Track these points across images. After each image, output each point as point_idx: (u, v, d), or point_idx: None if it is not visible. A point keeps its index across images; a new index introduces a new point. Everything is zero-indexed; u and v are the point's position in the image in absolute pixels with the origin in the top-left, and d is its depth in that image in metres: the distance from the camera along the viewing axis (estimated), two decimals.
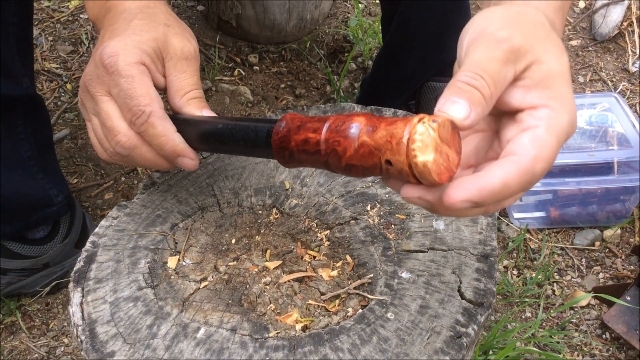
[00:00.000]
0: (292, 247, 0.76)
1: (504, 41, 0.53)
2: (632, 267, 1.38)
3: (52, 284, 1.28)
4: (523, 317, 1.31)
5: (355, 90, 1.76)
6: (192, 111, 0.76)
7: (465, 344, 0.65)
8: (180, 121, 0.75)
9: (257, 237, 0.77)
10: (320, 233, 0.77)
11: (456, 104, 0.50)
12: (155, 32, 0.76)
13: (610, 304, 1.27)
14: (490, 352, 1.14)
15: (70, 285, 0.71)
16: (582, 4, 2.06)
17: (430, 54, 1.40)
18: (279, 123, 0.62)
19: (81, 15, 1.94)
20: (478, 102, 0.51)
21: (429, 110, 1.50)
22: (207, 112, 0.76)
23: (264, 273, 0.73)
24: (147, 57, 0.74)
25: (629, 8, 1.95)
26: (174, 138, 0.72)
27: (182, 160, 0.74)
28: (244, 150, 0.69)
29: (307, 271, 0.73)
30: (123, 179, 1.53)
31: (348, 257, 0.75)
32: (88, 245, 0.75)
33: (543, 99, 0.53)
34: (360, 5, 1.97)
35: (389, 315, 0.68)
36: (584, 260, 1.41)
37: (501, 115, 0.57)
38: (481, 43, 0.54)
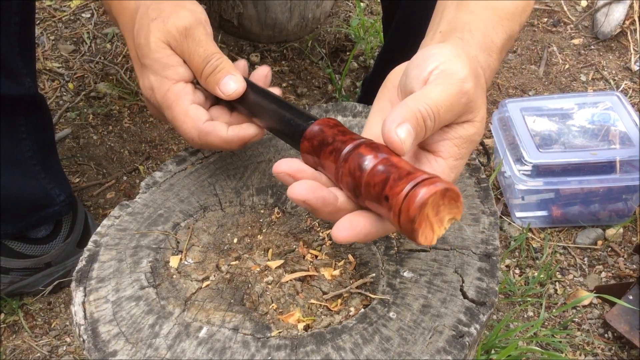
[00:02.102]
0: (294, 246, 0.76)
1: (467, 95, 0.57)
2: (634, 266, 1.38)
3: (54, 284, 1.28)
4: (525, 316, 1.30)
5: (357, 89, 1.76)
6: (214, 91, 0.76)
7: (467, 343, 0.65)
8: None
9: (259, 236, 0.77)
10: (322, 232, 0.77)
11: (409, 135, 0.54)
12: (155, 33, 0.75)
13: (612, 303, 1.27)
14: (493, 352, 1.14)
15: (73, 284, 0.71)
16: (584, 3, 2.06)
17: None
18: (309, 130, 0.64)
19: (82, 15, 1.95)
20: (421, 137, 0.56)
21: None
22: (225, 83, 0.75)
23: (266, 272, 0.73)
24: (174, 71, 0.75)
25: (631, 7, 1.94)
26: (231, 138, 0.74)
27: (251, 142, 0.78)
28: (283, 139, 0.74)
29: (309, 270, 0.73)
30: (125, 178, 1.53)
31: (350, 256, 0.74)
32: (90, 244, 0.75)
33: (447, 153, 0.59)
34: (361, 4, 1.97)
35: (391, 314, 0.68)
36: (586, 259, 1.41)
37: None
38: (448, 85, 0.57)
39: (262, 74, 0.82)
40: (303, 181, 0.57)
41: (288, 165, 0.60)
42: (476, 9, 0.69)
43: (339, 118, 0.91)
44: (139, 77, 0.79)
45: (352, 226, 0.56)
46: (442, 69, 0.58)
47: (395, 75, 0.66)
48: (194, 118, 0.74)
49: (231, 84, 0.75)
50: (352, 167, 0.57)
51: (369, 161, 0.56)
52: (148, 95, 0.77)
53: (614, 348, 1.24)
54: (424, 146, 0.60)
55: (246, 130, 0.75)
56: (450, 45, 0.61)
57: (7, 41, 1.00)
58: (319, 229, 0.77)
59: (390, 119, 0.55)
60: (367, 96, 1.53)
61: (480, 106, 0.59)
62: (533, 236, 1.44)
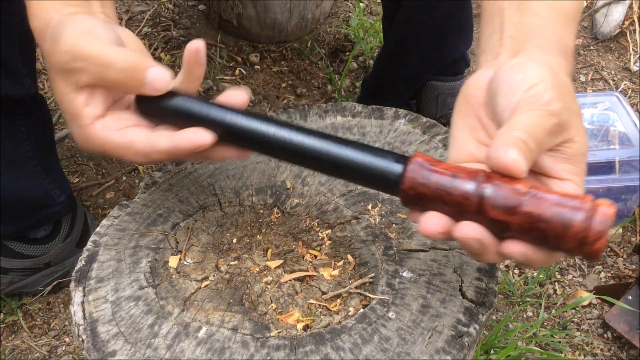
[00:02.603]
0: (294, 246, 0.76)
1: (554, 115, 0.57)
2: (633, 266, 1.38)
3: (54, 284, 1.28)
4: (524, 316, 1.30)
5: (357, 90, 1.76)
6: (141, 91, 0.65)
7: (466, 343, 0.65)
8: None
9: (258, 236, 0.77)
10: (321, 232, 0.77)
11: (519, 155, 0.54)
12: (53, 83, 0.66)
13: (612, 303, 1.27)
14: (492, 352, 1.14)
15: (72, 284, 0.71)
16: (583, 3, 2.06)
17: (431, 53, 1.40)
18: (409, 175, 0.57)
19: None
20: (530, 159, 0.56)
21: (430, 110, 1.51)
22: (150, 77, 0.64)
23: (265, 272, 0.73)
24: (84, 115, 0.66)
25: (630, 7, 1.94)
26: (174, 147, 0.65)
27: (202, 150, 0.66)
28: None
29: (308, 270, 0.73)
30: (124, 178, 1.53)
31: (349, 256, 0.74)
32: (89, 244, 0.75)
33: (569, 174, 0.59)
34: (361, 4, 1.97)
35: (390, 314, 0.68)
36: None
37: None
38: (534, 109, 0.57)
39: (237, 99, 0.68)
40: (468, 222, 0.56)
41: (439, 224, 0.57)
42: (541, 11, 0.67)
43: (339, 118, 0.91)
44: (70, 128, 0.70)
45: (526, 247, 0.56)
46: (527, 97, 0.58)
47: (475, 90, 0.64)
48: (128, 146, 0.65)
49: (156, 72, 0.64)
50: (490, 216, 0.54)
51: (508, 205, 0.53)
52: (86, 146, 0.68)
53: (613, 348, 1.24)
54: (547, 175, 0.60)
55: (193, 135, 0.64)
56: (533, 65, 0.61)
57: (8, 41, 1.00)
58: (318, 229, 0.77)
59: (495, 148, 0.55)
60: (368, 96, 1.53)
61: (572, 119, 0.59)
62: None
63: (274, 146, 0.63)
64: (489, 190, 0.54)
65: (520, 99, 0.58)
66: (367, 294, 0.70)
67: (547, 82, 0.59)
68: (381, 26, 1.85)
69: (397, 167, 0.58)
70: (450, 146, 0.65)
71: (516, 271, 1.38)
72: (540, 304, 1.29)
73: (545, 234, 0.52)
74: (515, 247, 0.55)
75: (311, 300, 0.70)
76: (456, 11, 1.33)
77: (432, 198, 0.56)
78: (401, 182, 0.57)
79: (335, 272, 0.73)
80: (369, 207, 0.79)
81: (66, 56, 0.63)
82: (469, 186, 0.55)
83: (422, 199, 0.57)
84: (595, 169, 1.38)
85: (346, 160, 0.60)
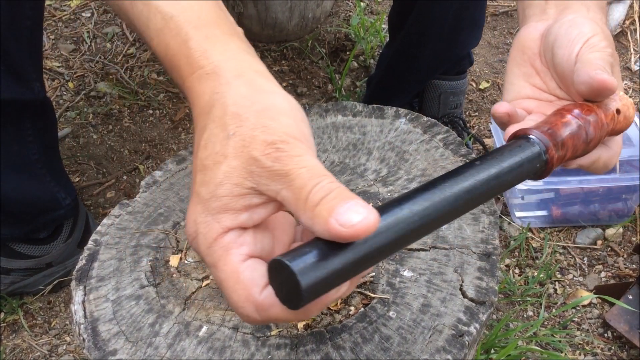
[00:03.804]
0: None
1: (610, 56, 0.67)
2: (634, 265, 1.38)
3: (55, 282, 1.28)
4: (525, 316, 1.30)
5: (357, 89, 1.76)
6: (325, 226, 0.46)
7: (467, 342, 0.65)
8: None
9: None
10: None
11: (612, 78, 0.64)
12: (231, 162, 0.50)
13: (612, 302, 1.27)
14: (492, 351, 1.14)
15: (73, 283, 0.71)
16: None
17: (444, 49, 1.39)
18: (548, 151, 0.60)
19: (82, 14, 1.95)
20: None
21: (432, 109, 1.50)
22: (347, 210, 0.46)
23: None
24: (232, 217, 0.50)
25: (631, 7, 1.94)
26: (309, 309, 0.50)
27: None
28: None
29: None
30: (125, 177, 1.53)
31: None
32: (90, 243, 0.75)
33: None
34: (361, 3, 1.97)
35: (390, 313, 0.68)
36: (585, 259, 1.41)
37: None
38: (595, 51, 0.67)
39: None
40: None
41: None
42: None
43: (339, 117, 0.91)
44: (189, 203, 0.53)
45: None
46: (586, 46, 0.67)
47: (530, 41, 0.72)
48: (248, 284, 0.49)
49: (359, 210, 0.46)
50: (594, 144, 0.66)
51: (603, 133, 0.66)
52: (190, 237, 0.52)
53: (613, 348, 1.24)
54: None
55: (330, 294, 0.49)
56: (585, 22, 0.69)
57: (18, 46, 0.99)
58: None
59: (584, 72, 0.64)
60: (375, 95, 1.52)
61: (616, 65, 0.68)
62: (533, 236, 1.44)
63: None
64: (592, 122, 0.64)
65: (581, 48, 0.67)
66: (367, 293, 0.70)
67: (600, 35, 0.68)
68: (382, 25, 1.85)
69: (532, 148, 0.60)
70: (505, 90, 0.74)
71: (517, 270, 1.38)
72: (541, 304, 1.30)
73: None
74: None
75: None
76: (471, 5, 1.32)
77: (570, 152, 0.63)
78: (548, 157, 0.61)
79: None
80: None
81: (264, 160, 0.49)
82: (582, 126, 0.64)
83: (562, 158, 0.63)
84: None
85: (495, 179, 0.56)
